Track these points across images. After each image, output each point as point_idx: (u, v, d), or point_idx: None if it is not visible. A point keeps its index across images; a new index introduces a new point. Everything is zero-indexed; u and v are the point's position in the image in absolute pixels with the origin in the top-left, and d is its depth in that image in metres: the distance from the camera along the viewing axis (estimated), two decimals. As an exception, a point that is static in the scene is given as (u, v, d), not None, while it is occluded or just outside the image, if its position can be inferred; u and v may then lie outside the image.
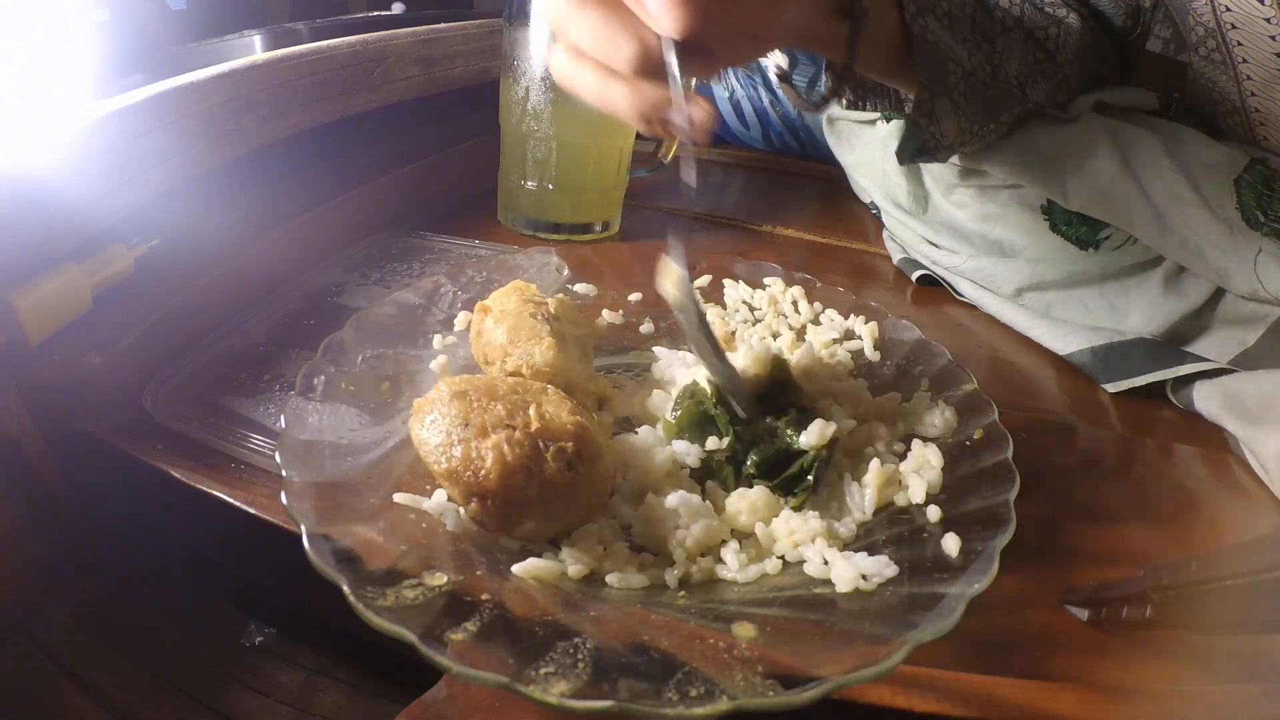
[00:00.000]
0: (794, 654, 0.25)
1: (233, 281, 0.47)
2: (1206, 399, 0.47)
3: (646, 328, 0.48)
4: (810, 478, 0.34)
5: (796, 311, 0.49)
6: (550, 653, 0.24)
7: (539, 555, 0.30)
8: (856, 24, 0.40)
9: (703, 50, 0.31)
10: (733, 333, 0.47)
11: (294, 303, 0.49)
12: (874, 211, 0.73)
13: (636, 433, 0.36)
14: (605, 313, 0.48)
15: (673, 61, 0.30)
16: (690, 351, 0.40)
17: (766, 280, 0.51)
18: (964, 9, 0.47)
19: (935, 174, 0.62)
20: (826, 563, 0.30)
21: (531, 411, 0.31)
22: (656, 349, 0.43)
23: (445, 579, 0.26)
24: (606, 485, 0.33)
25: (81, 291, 0.39)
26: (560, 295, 0.43)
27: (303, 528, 0.26)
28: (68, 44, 0.77)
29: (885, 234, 0.70)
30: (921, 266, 0.64)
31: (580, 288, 0.50)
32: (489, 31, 0.80)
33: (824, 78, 0.46)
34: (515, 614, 0.26)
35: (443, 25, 0.75)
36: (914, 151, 0.59)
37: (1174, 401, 0.49)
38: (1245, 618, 0.29)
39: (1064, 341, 0.53)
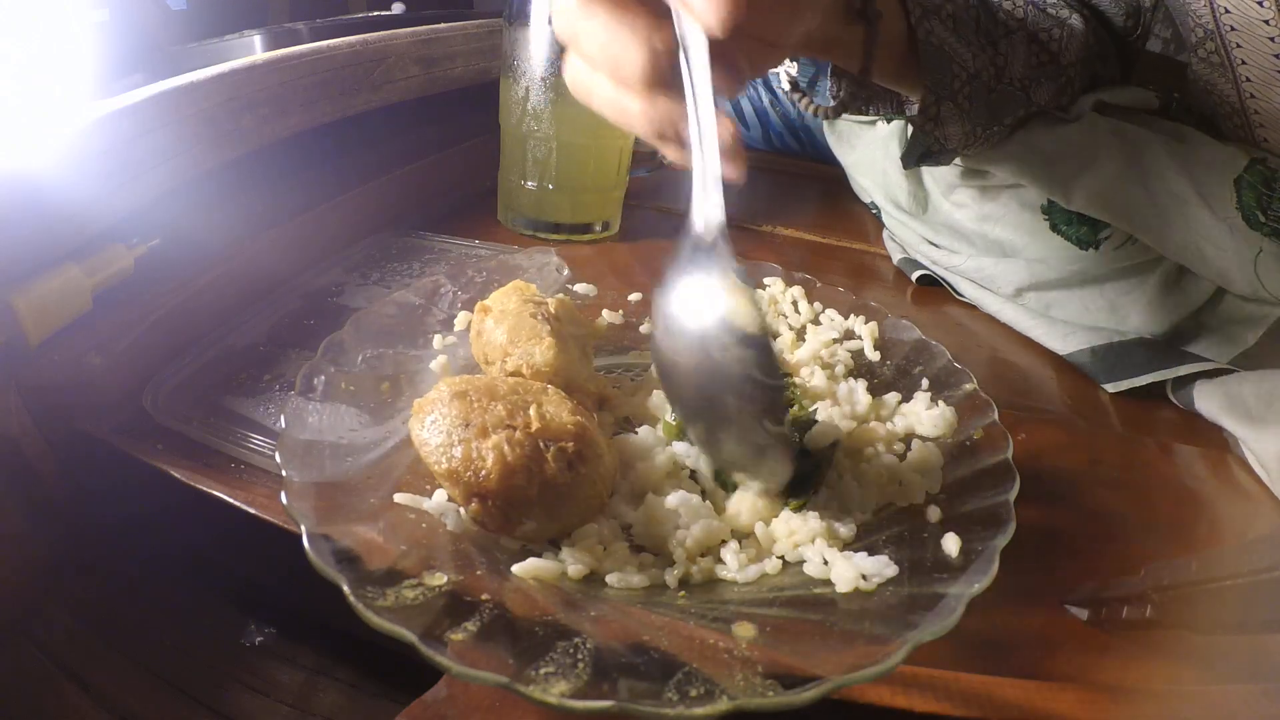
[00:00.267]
0: (794, 654, 0.25)
1: (233, 281, 0.47)
2: (1207, 399, 0.47)
3: (646, 328, 0.48)
4: (811, 482, 0.33)
5: (796, 311, 0.49)
6: (550, 653, 0.24)
7: (539, 555, 0.30)
8: (872, 28, 0.40)
9: (725, 62, 0.30)
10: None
11: (294, 303, 0.49)
12: (874, 211, 0.73)
13: (636, 433, 0.36)
14: (605, 313, 0.48)
15: (698, 75, 0.28)
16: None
17: (766, 280, 0.51)
18: (968, 11, 0.47)
19: (935, 174, 0.62)
20: (826, 563, 0.30)
21: (532, 411, 0.31)
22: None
23: (445, 579, 0.26)
24: (607, 485, 0.33)
25: (81, 291, 0.39)
26: (560, 295, 0.43)
27: (303, 528, 0.26)
28: (68, 44, 0.77)
29: (885, 234, 0.70)
30: (921, 266, 0.64)
31: (580, 288, 0.50)
32: (489, 31, 0.80)
33: (829, 82, 0.45)
34: (515, 614, 0.26)
35: (443, 25, 0.75)
36: (919, 156, 0.59)
37: (1174, 401, 0.49)
38: (1245, 618, 0.29)
39: (1064, 341, 0.53)
